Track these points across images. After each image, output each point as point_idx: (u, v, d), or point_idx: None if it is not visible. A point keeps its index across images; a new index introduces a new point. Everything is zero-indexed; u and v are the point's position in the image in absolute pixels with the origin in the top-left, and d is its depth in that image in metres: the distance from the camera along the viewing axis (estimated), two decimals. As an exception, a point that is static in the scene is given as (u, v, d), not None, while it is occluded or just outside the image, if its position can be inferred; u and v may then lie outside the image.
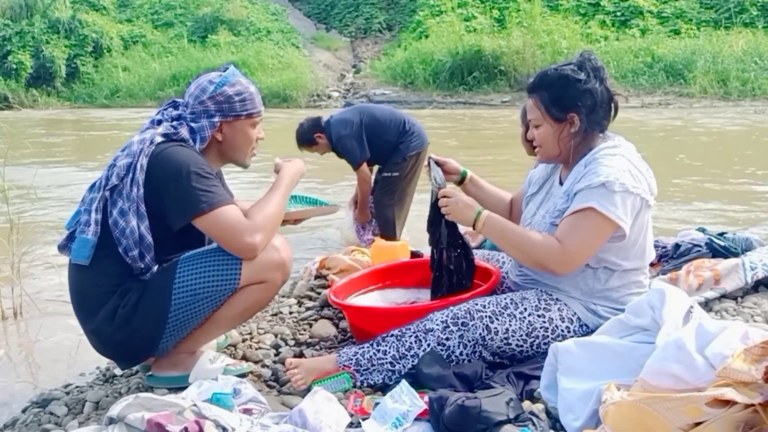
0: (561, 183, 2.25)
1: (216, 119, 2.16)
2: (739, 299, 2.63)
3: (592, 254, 2.07)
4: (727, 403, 1.38)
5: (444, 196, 2.24)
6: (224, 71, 2.20)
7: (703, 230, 3.10)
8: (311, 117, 4.88)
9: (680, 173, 7.57)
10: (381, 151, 4.74)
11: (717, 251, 2.81)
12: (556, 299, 2.17)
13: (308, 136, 4.74)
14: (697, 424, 1.40)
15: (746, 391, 1.36)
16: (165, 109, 2.26)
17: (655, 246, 3.04)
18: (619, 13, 18.56)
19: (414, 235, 4.98)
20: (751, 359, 1.39)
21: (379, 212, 4.84)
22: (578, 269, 2.11)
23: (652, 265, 2.98)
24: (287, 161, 2.35)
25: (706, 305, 2.55)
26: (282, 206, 2.19)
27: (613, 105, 2.17)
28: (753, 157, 8.49)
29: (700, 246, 2.87)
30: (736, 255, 2.77)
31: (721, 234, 2.95)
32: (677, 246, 2.94)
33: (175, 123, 2.16)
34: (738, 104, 13.95)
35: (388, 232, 4.74)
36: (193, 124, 2.15)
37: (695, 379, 1.45)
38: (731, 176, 7.35)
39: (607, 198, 2.01)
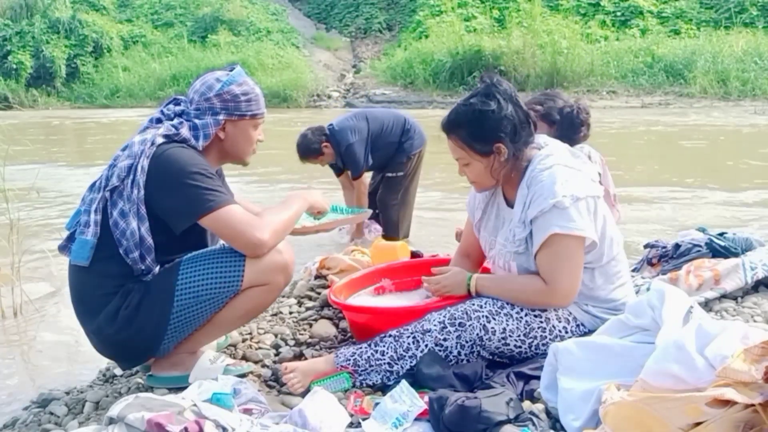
0: (507, 203, 2.25)
1: (221, 117, 2.16)
2: (739, 299, 2.63)
3: (580, 276, 2.08)
4: (727, 403, 1.38)
5: (432, 283, 2.29)
6: (231, 70, 2.21)
7: (703, 230, 3.10)
8: (313, 126, 4.75)
9: (680, 174, 7.57)
10: (385, 154, 4.72)
11: (717, 251, 2.81)
12: None
13: (316, 146, 4.59)
14: (697, 424, 1.40)
15: (746, 391, 1.36)
16: (166, 106, 2.26)
17: (655, 246, 3.06)
18: (619, 13, 18.55)
19: (414, 235, 4.99)
20: (751, 359, 1.39)
21: (384, 212, 4.83)
22: None
23: (651, 264, 2.98)
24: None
25: (706, 305, 2.55)
26: (293, 217, 2.20)
27: (531, 121, 2.15)
28: (753, 157, 8.49)
29: (700, 246, 2.87)
30: (736, 255, 2.77)
31: (721, 234, 2.95)
32: (677, 246, 2.94)
33: (175, 122, 2.16)
34: (738, 104, 13.94)
35: (391, 232, 4.73)
36: (196, 121, 2.15)
37: (695, 379, 1.45)
38: (731, 176, 7.35)
39: (563, 216, 2.01)
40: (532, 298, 2.12)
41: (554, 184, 2.03)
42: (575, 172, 2.09)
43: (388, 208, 4.81)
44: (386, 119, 4.74)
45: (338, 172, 4.91)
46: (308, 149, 4.63)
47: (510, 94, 2.12)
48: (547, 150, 2.15)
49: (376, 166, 4.82)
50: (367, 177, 4.88)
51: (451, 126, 2.16)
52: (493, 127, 2.09)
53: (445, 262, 2.71)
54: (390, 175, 4.78)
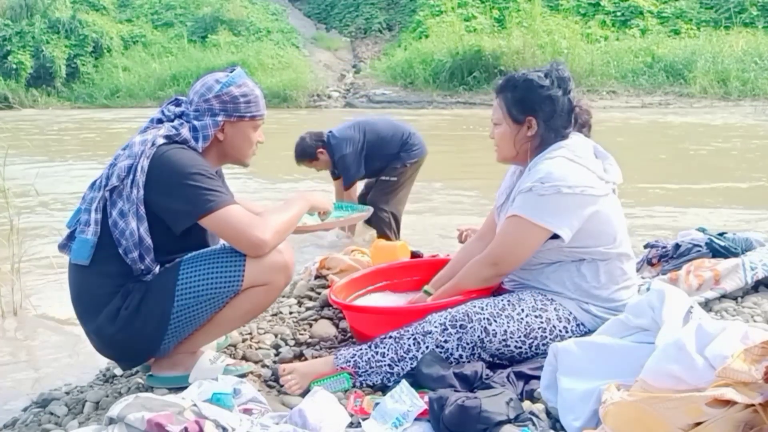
0: None
1: (219, 118, 2.16)
2: (739, 299, 2.63)
3: (523, 258, 2.14)
4: (727, 403, 1.38)
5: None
6: (231, 72, 2.21)
7: (703, 230, 3.09)
8: (312, 131, 4.81)
9: (680, 173, 7.58)
10: (381, 164, 4.75)
11: (717, 251, 2.81)
12: (552, 299, 2.17)
13: (311, 150, 4.67)
14: (698, 424, 1.40)
15: (746, 391, 1.36)
16: (167, 106, 2.26)
17: (655, 246, 3.05)
18: (619, 13, 18.56)
19: (413, 235, 4.99)
20: (751, 359, 1.39)
21: (374, 214, 4.84)
22: (559, 266, 2.17)
23: (651, 264, 2.98)
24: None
25: (706, 305, 2.55)
26: (294, 217, 2.20)
27: (573, 116, 2.21)
28: (752, 157, 8.49)
29: (700, 246, 2.86)
30: (736, 255, 2.77)
31: (721, 234, 2.95)
32: (677, 246, 2.94)
33: (176, 123, 2.16)
34: (738, 104, 13.94)
35: (385, 232, 4.75)
36: (195, 122, 2.15)
37: (695, 379, 1.45)
38: (731, 176, 7.35)
39: (534, 203, 2.06)
40: (469, 278, 2.23)
41: (543, 172, 2.08)
42: (576, 167, 2.10)
43: (377, 211, 4.82)
44: (385, 130, 4.77)
45: (335, 176, 4.95)
46: (304, 152, 4.71)
47: (567, 83, 2.19)
48: (564, 142, 2.18)
49: (369, 175, 4.86)
50: (359, 184, 4.94)
51: (501, 88, 2.26)
52: (533, 100, 2.17)
53: (445, 262, 2.71)
54: (384, 178, 4.81)
